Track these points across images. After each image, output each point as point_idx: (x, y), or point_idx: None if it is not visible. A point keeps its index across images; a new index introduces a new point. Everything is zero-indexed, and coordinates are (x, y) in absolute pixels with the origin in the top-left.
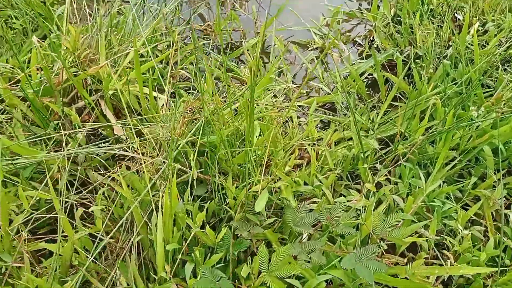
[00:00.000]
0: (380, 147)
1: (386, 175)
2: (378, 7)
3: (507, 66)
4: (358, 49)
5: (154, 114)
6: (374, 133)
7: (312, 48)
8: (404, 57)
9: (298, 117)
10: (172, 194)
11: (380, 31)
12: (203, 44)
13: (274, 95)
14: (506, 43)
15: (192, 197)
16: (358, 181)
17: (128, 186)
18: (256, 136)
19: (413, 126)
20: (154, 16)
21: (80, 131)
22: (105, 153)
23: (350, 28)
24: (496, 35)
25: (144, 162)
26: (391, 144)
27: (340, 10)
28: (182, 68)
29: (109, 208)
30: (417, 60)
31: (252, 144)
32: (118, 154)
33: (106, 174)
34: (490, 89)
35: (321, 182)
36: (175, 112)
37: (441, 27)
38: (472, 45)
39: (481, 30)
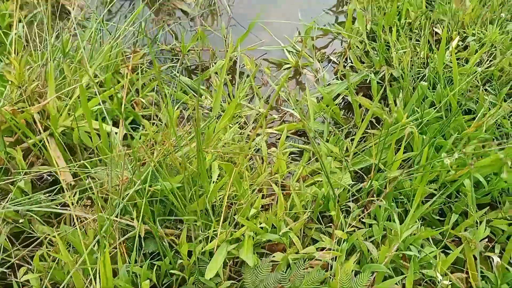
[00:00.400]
0: (353, 182)
1: (360, 214)
2: (354, 19)
3: (489, 86)
4: (334, 67)
5: (106, 156)
6: (347, 166)
7: (286, 67)
8: (380, 78)
9: (269, 147)
10: (106, 267)
11: (356, 48)
12: (171, 66)
13: (241, 125)
14: (487, 60)
15: (143, 253)
16: (330, 224)
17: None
18: (213, 182)
19: (388, 158)
20: (116, 37)
21: (24, 178)
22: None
23: (326, 44)
24: (477, 50)
25: (86, 219)
26: (365, 177)
27: (314, 26)
28: (145, 95)
29: (48, 270)
30: (393, 82)
31: (207, 191)
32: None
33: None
34: (472, 110)
35: (290, 228)
36: (124, 155)
37: (420, 42)
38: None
39: (462, 45)
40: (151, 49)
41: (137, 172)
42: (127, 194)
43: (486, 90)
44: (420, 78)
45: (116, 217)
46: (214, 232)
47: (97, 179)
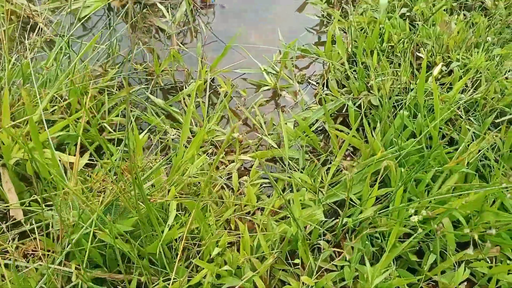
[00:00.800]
0: (325, 219)
1: (331, 254)
2: (334, 42)
3: (472, 114)
4: (315, 89)
5: (58, 192)
6: (320, 200)
7: (264, 89)
8: (360, 105)
9: (240, 176)
10: None
11: (336, 71)
12: (143, 87)
13: (213, 151)
14: (472, 87)
15: None
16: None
17: None
18: (168, 225)
19: (363, 193)
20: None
21: None
22: None
23: (307, 65)
24: (461, 76)
25: (26, 268)
26: (340, 212)
27: (295, 46)
28: (111, 119)
29: None
30: (373, 110)
31: (160, 237)
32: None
33: None
34: (456, 140)
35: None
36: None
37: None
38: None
39: (445, 70)
40: (121, 68)
41: (84, 214)
42: (74, 239)
43: (469, 119)
44: (400, 105)
45: (60, 264)
46: (167, 280)
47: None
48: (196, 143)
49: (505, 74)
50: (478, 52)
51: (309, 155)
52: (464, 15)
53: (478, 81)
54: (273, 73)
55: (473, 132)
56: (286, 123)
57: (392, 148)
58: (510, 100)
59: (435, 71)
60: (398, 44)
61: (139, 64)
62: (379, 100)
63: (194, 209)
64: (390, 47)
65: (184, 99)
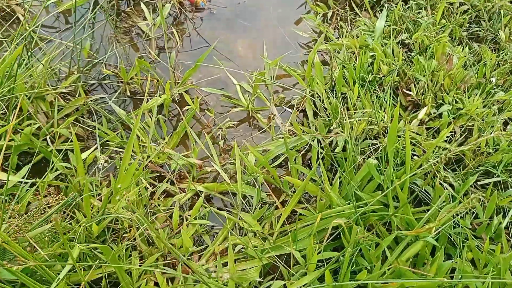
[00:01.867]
0: (261, 279)
1: None
2: (324, 62)
3: (455, 169)
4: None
5: None
6: (260, 256)
7: (235, 111)
8: (329, 143)
9: (183, 209)
10: None
11: (313, 101)
12: (106, 96)
13: (161, 175)
14: (460, 136)
15: None
16: None
17: None
18: (58, 280)
19: (308, 253)
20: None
21: None
22: None
23: (294, 84)
24: (451, 123)
25: None
26: (282, 270)
27: (277, 63)
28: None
29: None
30: (341, 153)
31: None
32: None
33: None
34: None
35: None
36: None
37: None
38: (419, 134)
39: (435, 113)
40: (84, 72)
41: None
42: None
43: (445, 181)
44: (374, 150)
45: None
46: None
47: None
48: (130, 173)
49: (502, 124)
50: (477, 94)
51: (268, 194)
52: (471, 48)
53: (471, 129)
54: (250, 92)
55: (451, 193)
56: (247, 153)
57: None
58: (501, 158)
59: (420, 114)
60: (387, 77)
61: (114, 66)
62: (347, 142)
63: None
64: (379, 78)
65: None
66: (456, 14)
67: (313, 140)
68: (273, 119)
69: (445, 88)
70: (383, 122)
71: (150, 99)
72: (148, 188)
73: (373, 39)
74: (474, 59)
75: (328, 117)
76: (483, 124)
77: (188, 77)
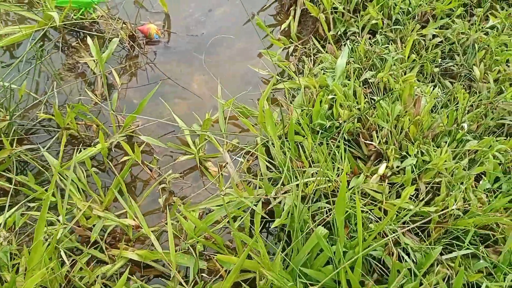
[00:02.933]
0: None
1: None
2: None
3: (420, 234)
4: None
5: None
6: None
7: (182, 159)
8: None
9: (114, 281)
10: None
11: (270, 145)
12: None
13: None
14: (426, 195)
15: None
16: None
17: None
18: None
19: None
20: None
21: None
22: None
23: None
24: (416, 179)
25: None
26: None
27: (231, 104)
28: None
29: None
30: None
31: None
32: None
33: None
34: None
35: None
36: None
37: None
38: (379, 192)
39: (398, 167)
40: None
41: None
42: None
43: (409, 243)
44: (326, 216)
45: None
46: None
47: None
48: (39, 252)
49: (474, 180)
50: (446, 143)
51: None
52: (444, 86)
53: (439, 187)
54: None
55: (411, 267)
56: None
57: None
58: (472, 222)
59: (381, 169)
60: (347, 123)
61: (43, 113)
62: (294, 206)
63: None
64: (339, 124)
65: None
66: (428, 48)
67: (259, 201)
68: (224, 167)
69: (411, 137)
70: (338, 178)
71: (87, 147)
72: (65, 264)
73: (334, 79)
74: (446, 98)
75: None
76: (452, 180)
77: (131, 122)
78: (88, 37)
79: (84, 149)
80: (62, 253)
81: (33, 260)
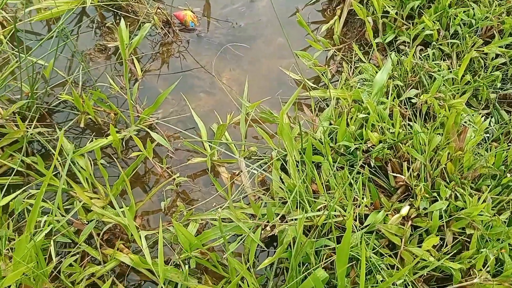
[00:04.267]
0: None
1: None
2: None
3: None
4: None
5: None
6: None
7: (198, 160)
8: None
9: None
10: None
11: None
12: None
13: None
14: (452, 246)
15: None
16: None
17: None
18: None
19: None
20: None
21: None
22: None
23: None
24: (444, 226)
25: None
26: None
27: (255, 108)
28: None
29: None
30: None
31: None
32: None
33: None
34: None
35: None
36: None
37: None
38: (398, 235)
39: (425, 209)
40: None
41: None
42: None
43: None
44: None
45: None
46: None
47: None
48: (22, 249)
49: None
50: (488, 188)
51: (201, 279)
52: (499, 115)
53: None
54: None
55: None
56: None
57: None
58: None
59: (404, 209)
60: (375, 150)
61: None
62: (292, 241)
63: None
64: (367, 148)
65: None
66: (487, 68)
67: (257, 227)
68: (238, 175)
69: (447, 175)
70: (355, 212)
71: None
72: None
73: (370, 95)
74: (498, 132)
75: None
76: (486, 234)
77: (149, 114)
78: (122, 19)
79: (101, 137)
80: (52, 248)
81: (19, 252)
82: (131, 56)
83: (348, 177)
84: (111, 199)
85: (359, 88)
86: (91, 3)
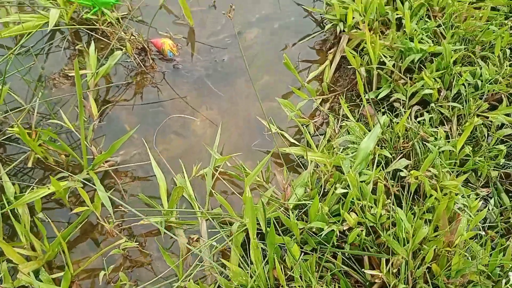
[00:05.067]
0: None
1: None
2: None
3: None
4: None
5: None
6: None
7: (152, 220)
8: None
9: None
10: None
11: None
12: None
13: None
14: None
15: None
16: None
17: None
18: None
19: None
20: None
21: None
22: None
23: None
24: None
25: None
26: None
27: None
28: None
29: None
30: None
31: None
32: None
33: None
34: None
35: None
36: None
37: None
38: None
39: None
40: None
41: None
42: None
43: None
44: None
45: None
46: None
47: None
48: None
49: None
50: None
51: None
52: (499, 199)
53: None
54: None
55: None
56: None
57: None
58: None
59: None
60: (352, 236)
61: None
62: None
63: None
64: (342, 231)
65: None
66: (490, 139)
67: None
68: (196, 240)
69: (431, 277)
70: None
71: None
72: None
73: (353, 163)
74: (497, 220)
75: None
76: None
77: (103, 160)
78: (93, 43)
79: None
80: None
81: None
82: (97, 86)
83: (316, 267)
84: (49, 258)
85: (341, 153)
86: (64, 24)
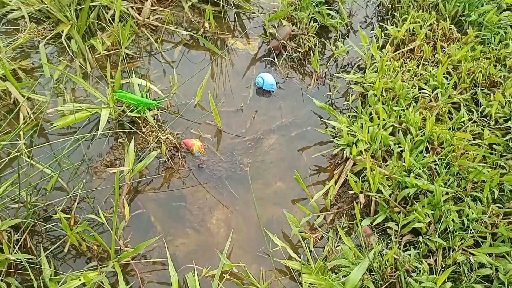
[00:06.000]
0: None
1: None
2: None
3: None
4: None
5: None
6: None
7: None
8: None
9: None
10: None
11: None
12: None
13: None
14: None
15: None
16: None
17: None
18: None
19: None
20: None
21: None
22: None
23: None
24: None
25: None
26: None
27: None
28: None
29: None
30: None
31: None
32: None
33: None
34: None
35: None
36: None
37: None
38: None
39: None
40: None
41: None
42: None
43: None
44: None
45: None
46: None
47: None
48: None
49: None
50: None
51: None
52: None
53: None
54: None
55: None
56: None
57: None
58: None
59: None
60: None
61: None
62: None
63: None
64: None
65: None
66: (470, 277)
67: None
68: None
69: None
70: None
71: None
72: None
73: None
74: None
75: None
76: None
77: (128, 256)
78: (133, 141)
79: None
80: None
81: None
82: (132, 181)
83: None
84: None
85: (333, 279)
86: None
